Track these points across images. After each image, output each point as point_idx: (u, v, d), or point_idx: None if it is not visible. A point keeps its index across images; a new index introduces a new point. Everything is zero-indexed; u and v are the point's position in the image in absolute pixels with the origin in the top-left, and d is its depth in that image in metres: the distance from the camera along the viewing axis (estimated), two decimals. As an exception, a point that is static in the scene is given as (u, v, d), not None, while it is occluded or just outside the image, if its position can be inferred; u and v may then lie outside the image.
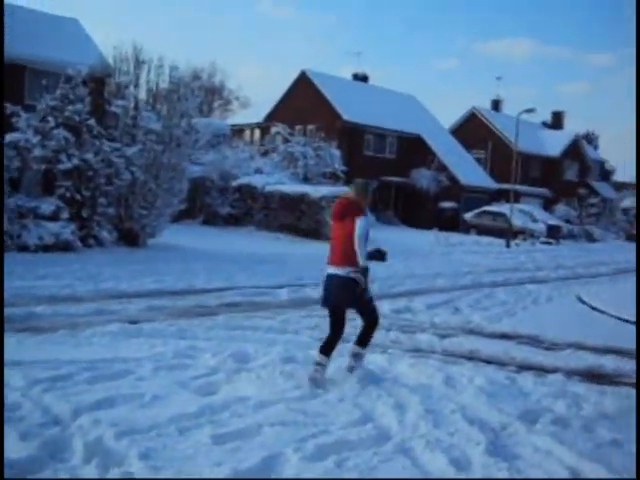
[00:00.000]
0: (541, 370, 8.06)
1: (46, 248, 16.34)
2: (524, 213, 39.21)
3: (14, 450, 4.39)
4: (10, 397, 5.45)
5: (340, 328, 6.64)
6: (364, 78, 47.75)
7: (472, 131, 51.36)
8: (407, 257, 22.97)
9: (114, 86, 19.48)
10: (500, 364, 8.34)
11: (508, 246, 31.88)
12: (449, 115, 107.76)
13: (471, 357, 8.70)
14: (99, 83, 19.45)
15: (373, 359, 7.81)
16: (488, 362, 8.43)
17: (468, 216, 39.76)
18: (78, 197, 17.55)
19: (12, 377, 6.00)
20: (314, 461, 4.44)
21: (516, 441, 5.20)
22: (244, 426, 5.04)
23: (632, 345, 9.80)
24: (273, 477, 4.27)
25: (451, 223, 39.37)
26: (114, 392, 5.71)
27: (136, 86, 19.72)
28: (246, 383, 6.31)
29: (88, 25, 32.06)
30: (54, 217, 17.09)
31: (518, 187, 42.20)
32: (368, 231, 6.58)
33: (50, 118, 17.27)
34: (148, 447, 4.56)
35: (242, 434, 4.89)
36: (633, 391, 7.21)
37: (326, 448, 4.68)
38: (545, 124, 60.33)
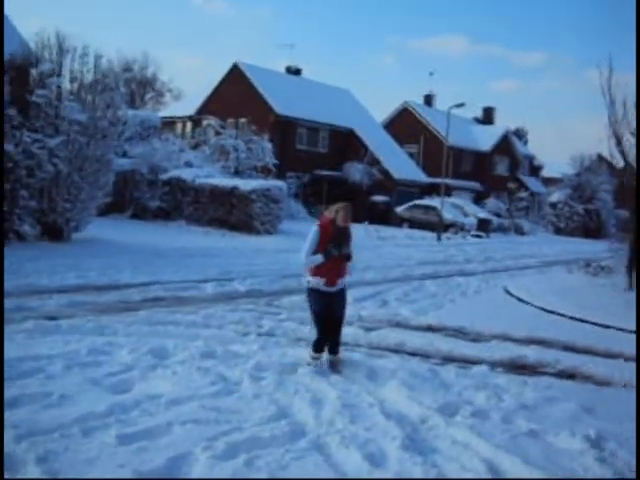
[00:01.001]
0: (465, 362, 8.07)
1: (-38, 243, 15.68)
2: (455, 207, 39.72)
3: None
4: None
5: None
6: (297, 71, 47.62)
7: (405, 126, 51.79)
8: (338, 250, 22.90)
9: (37, 75, 18.75)
10: (425, 356, 8.32)
11: (439, 239, 32.19)
12: (382, 110, 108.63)
13: (396, 350, 8.65)
14: (20, 71, 18.68)
15: (295, 354, 7.71)
16: (413, 355, 8.41)
17: (400, 210, 40.04)
18: (-3, 190, 16.89)
19: None
20: (223, 460, 4.29)
21: (434, 435, 5.14)
22: (153, 425, 4.85)
23: (555, 335, 9.93)
24: (182, 477, 4.08)
25: (383, 217, 39.57)
26: (19, 392, 5.43)
27: (59, 75, 19.04)
28: (161, 380, 6.11)
29: (10, 9, 31.19)
30: (-28, 211, 16.42)
31: (449, 181, 42.79)
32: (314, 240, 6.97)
33: (-34, 108, 16.56)
34: (48, 450, 4.33)
35: (150, 433, 4.70)
36: (553, 380, 7.28)
37: (237, 446, 4.53)
38: (477, 120, 61.28)
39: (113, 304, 10.66)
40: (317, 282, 7.00)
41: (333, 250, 6.82)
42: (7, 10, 27.98)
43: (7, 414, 4.93)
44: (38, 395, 5.40)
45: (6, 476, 3.91)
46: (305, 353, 7.68)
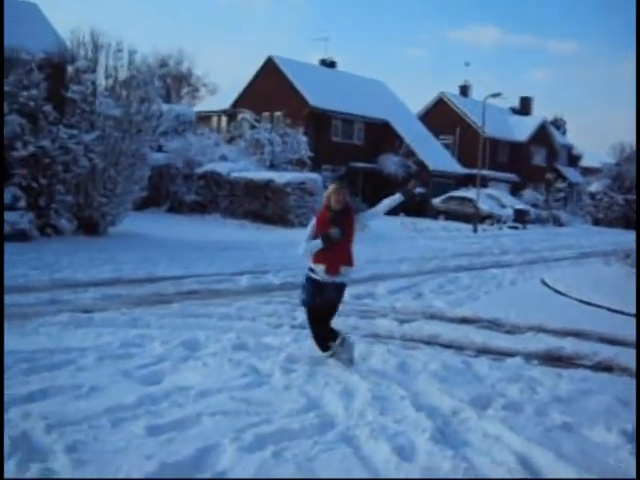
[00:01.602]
0: (499, 354, 7.95)
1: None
2: (492, 198, 39.32)
3: None
4: (-60, 391, 5.20)
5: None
6: (332, 64, 47.48)
7: (440, 117, 51.38)
8: (373, 243, 22.83)
9: (72, 71, 18.95)
10: (458, 349, 8.21)
11: (475, 231, 31.89)
12: (417, 101, 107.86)
13: (430, 342, 8.56)
14: (57, 68, 18.89)
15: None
16: (447, 347, 8.30)
17: (436, 201, 39.77)
18: (35, 185, 17.12)
19: (-55, 371, 5.74)
20: (251, 452, 4.26)
21: (466, 427, 5.05)
22: (182, 416, 4.84)
23: (592, 327, 9.76)
24: (208, 474, 4.05)
25: (419, 209, 39.32)
26: (50, 384, 5.47)
27: (94, 71, 19.22)
28: (192, 372, 6.11)
29: (47, 9, 31.41)
30: (11, 206, 16.65)
31: (486, 172, 42.35)
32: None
33: (4, 104, 16.78)
34: (77, 440, 4.34)
35: (179, 425, 4.69)
36: (589, 373, 7.13)
37: (265, 438, 4.49)
38: (513, 110, 60.55)
39: (147, 297, 10.73)
40: (318, 270, 6.54)
41: (331, 232, 6.37)
42: (43, 8, 28.38)
43: (36, 405, 4.96)
44: (68, 387, 5.43)
45: (31, 466, 3.92)
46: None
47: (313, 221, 6.63)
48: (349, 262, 6.59)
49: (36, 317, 8.59)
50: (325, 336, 6.62)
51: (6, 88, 17.02)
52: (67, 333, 7.69)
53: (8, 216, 16.30)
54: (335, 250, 6.44)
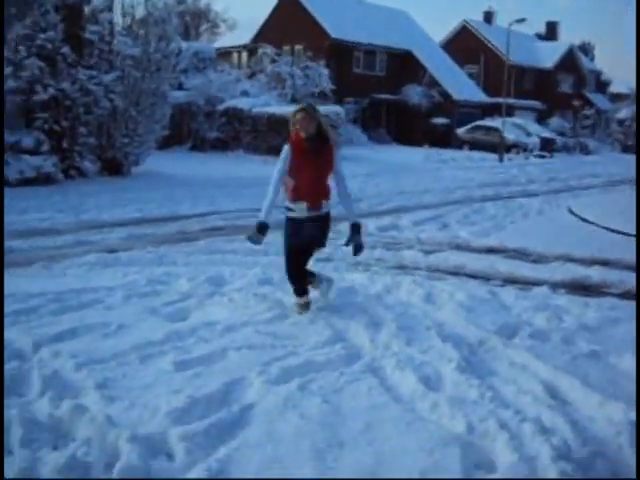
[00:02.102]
0: (525, 283, 7.91)
1: (27, 182, 16.01)
2: (517, 127, 38.71)
3: (-33, 387, 4.24)
4: (-28, 333, 5.29)
5: None
6: (352, -6, 46.43)
7: (464, 45, 50.34)
8: (397, 174, 22.73)
9: (89, 12, 18.74)
10: (485, 279, 8.18)
11: (501, 161, 31.52)
12: (441, 30, 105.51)
13: (456, 272, 8.55)
14: (73, 9, 18.67)
15: (353, 277, 7.68)
16: (473, 277, 8.29)
17: (461, 131, 39.27)
18: (57, 128, 17.11)
19: (-24, 312, 5.83)
20: (277, 384, 4.29)
21: (492, 356, 5.04)
22: (209, 351, 4.88)
23: (620, 255, 9.65)
24: (235, 408, 4.09)
25: (443, 139, 38.90)
26: (79, 323, 5.53)
27: (111, 10, 19.00)
28: (218, 307, 6.15)
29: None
30: (35, 150, 16.70)
31: (511, 100, 41.58)
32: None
33: (21, 47, 16.67)
34: (106, 377, 4.41)
35: (206, 360, 4.73)
36: (617, 301, 7.07)
37: (291, 370, 4.52)
38: (539, 36, 59.10)
39: (172, 235, 10.77)
40: (297, 208, 5.80)
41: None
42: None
43: (66, 344, 5.04)
44: (97, 325, 5.49)
45: (63, 402, 3.99)
46: (361, 277, 7.65)
47: (287, 152, 5.71)
48: (328, 196, 5.90)
49: (63, 259, 8.68)
50: (304, 278, 6.05)
51: (23, 31, 16.88)
52: (94, 273, 7.76)
53: (32, 160, 16.36)
54: (315, 185, 5.77)
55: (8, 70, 16.31)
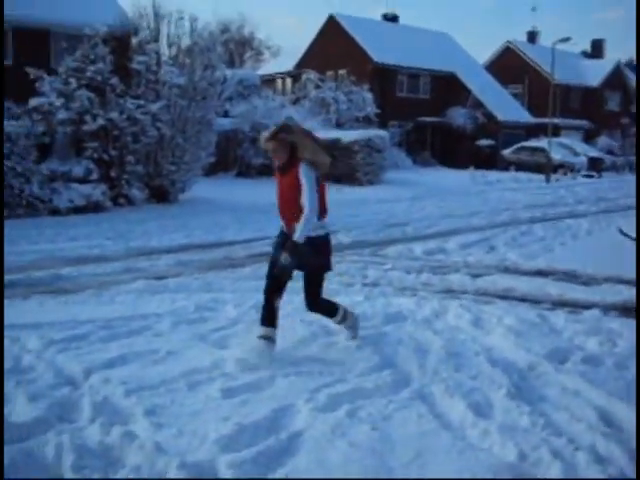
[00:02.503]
0: (576, 306, 7.76)
1: (77, 210, 16.36)
2: (564, 147, 38.23)
3: (21, 413, 4.30)
4: (24, 359, 5.39)
5: None
6: (394, 18, 46.62)
7: (508, 66, 50.03)
8: (443, 197, 22.62)
9: (136, 43, 19.19)
10: (534, 302, 8.06)
11: (548, 181, 31.15)
12: (484, 51, 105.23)
13: (504, 296, 8.43)
14: (121, 41, 19.17)
15: (400, 302, 7.62)
16: (522, 300, 8.17)
17: (506, 153, 38.94)
18: (106, 157, 17.48)
19: (28, 339, 5.94)
20: (325, 411, 4.26)
21: (543, 382, 4.95)
22: (256, 378, 4.88)
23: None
24: (283, 435, 4.08)
25: (489, 161, 38.60)
26: (128, 350, 5.59)
27: (157, 41, 19.41)
28: (265, 334, 6.14)
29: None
30: (84, 179, 17.07)
31: (557, 120, 41.18)
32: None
33: (72, 79, 17.12)
34: (155, 404, 4.44)
35: (253, 387, 4.73)
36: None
37: (339, 397, 4.49)
38: (584, 54, 58.46)
39: (219, 261, 10.86)
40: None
41: (282, 259, 5.27)
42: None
43: (116, 371, 5.09)
44: (146, 352, 5.54)
45: (114, 428, 4.02)
46: (408, 302, 7.60)
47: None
48: (295, 216, 5.27)
49: (112, 286, 8.81)
50: (273, 302, 5.55)
51: (73, 64, 17.32)
52: (143, 300, 7.85)
53: (82, 189, 16.71)
54: (284, 207, 5.45)
55: (59, 102, 16.72)
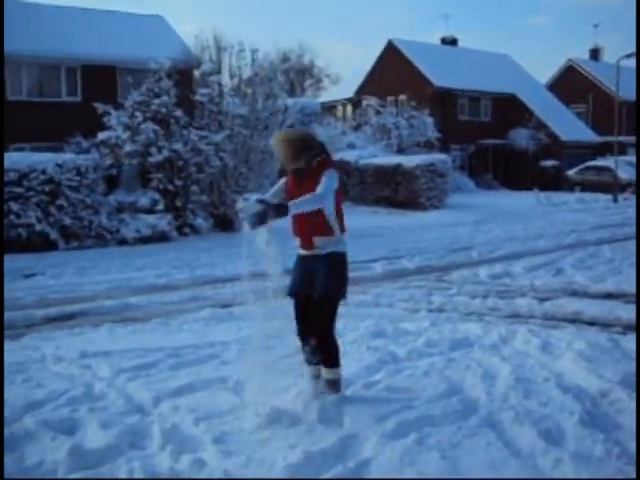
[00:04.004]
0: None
1: (144, 240, 16.72)
2: (631, 165, 37.34)
3: (93, 439, 4.39)
4: (96, 387, 5.52)
5: None
6: (453, 42, 46.55)
7: (570, 84, 49.29)
8: (507, 220, 22.34)
9: (199, 75, 19.66)
10: (604, 326, 7.88)
11: (615, 201, 30.48)
12: (545, 71, 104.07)
13: (573, 320, 8.29)
14: (184, 74, 19.67)
15: (467, 328, 7.53)
16: (591, 324, 8.00)
17: (571, 173, 38.24)
18: (171, 188, 17.85)
19: (99, 367, 6.09)
20: (394, 439, 4.23)
21: (617, 409, 4.80)
22: (324, 406, 4.85)
23: None
24: (351, 463, 4.06)
25: (553, 182, 37.95)
26: (196, 377, 5.67)
27: (219, 73, 19.83)
28: (331, 361, 6.15)
29: (170, 16, 32.50)
30: (150, 209, 17.46)
31: (623, 138, 40.26)
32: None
33: (138, 113, 17.61)
34: (223, 431, 4.48)
35: (321, 414, 4.72)
36: None
37: (407, 425, 4.45)
38: (651, 68, 57.19)
39: (283, 289, 10.89)
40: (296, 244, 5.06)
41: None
42: (168, 18, 29.53)
43: (185, 399, 5.16)
44: (214, 380, 5.61)
45: (183, 456, 4.07)
46: (474, 327, 7.51)
47: (283, 183, 5.11)
48: (324, 231, 4.86)
49: (180, 314, 8.96)
50: (328, 348, 5.02)
51: (139, 98, 17.80)
52: (210, 328, 7.97)
53: (148, 219, 17.07)
54: (303, 217, 4.76)
55: (126, 135, 17.19)
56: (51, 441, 4.38)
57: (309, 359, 5.11)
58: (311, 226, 4.83)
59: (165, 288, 11.24)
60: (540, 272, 11.85)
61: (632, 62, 38.90)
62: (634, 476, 3.38)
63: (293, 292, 5.13)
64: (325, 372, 5.01)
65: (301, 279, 5.03)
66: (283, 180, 5.10)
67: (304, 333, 5.12)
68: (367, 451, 4.11)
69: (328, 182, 4.64)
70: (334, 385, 4.99)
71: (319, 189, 4.61)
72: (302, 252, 5.02)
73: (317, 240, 4.87)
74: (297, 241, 5.03)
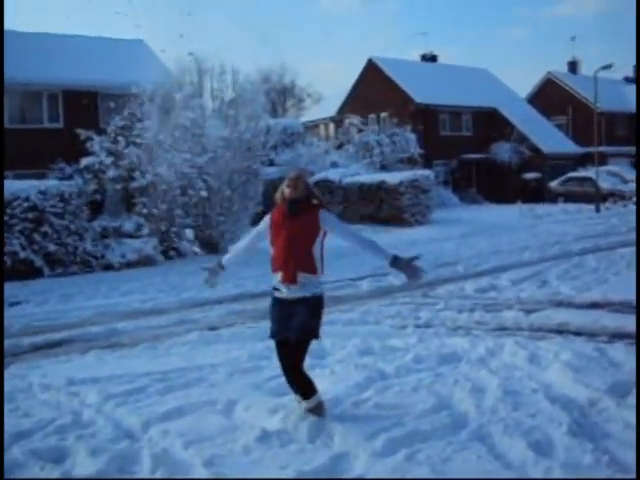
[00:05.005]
0: (634, 338, 7.59)
1: (130, 265, 16.66)
2: (612, 175, 37.66)
3: (82, 467, 4.39)
4: (84, 414, 5.49)
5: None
6: (433, 58, 46.98)
7: (550, 97, 49.71)
8: (492, 233, 22.44)
9: (180, 99, 19.68)
10: (590, 335, 7.93)
11: (598, 211, 30.70)
12: (525, 84, 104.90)
13: (559, 330, 8.33)
14: (166, 98, 19.70)
15: (454, 342, 7.57)
16: (578, 334, 8.04)
17: (553, 185, 38.51)
18: (155, 212, 17.83)
19: (88, 394, 6.07)
20: (383, 456, 4.24)
21: (605, 418, 4.85)
22: (313, 425, 4.87)
23: None
24: (340, 477, 4.07)
25: (536, 194, 38.22)
26: (185, 401, 5.65)
27: (200, 96, 19.88)
28: (319, 379, 6.08)
29: (151, 41, 32.67)
30: (135, 234, 17.44)
31: (603, 148, 40.69)
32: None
33: (120, 138, 17.63)
34: (214, 454, 4.47)
35: (311, 434, 4.73)
36: None
37: (397, 441, 4.46)
38: (627, 79, 57.79)
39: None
40: (276, 281, 5.04)
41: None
42: (149, 42, 29.65)
43: (174, 423, 5.14)
44: (203, 403, 5.59)
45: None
46: (461, 341, 7.54)
47: (265, 221, 5.28)
48: (309, 268, 4.97)
49: (167, 338, 8.93)
50: (300, 375, 5.06)
51: (121, 122, 17.82)
52: (197, 351, 7.94)
53: (133, 244, 17.04)
54: (288, 251, 4.93)
55: (109, 160, 17.19)
56: (40, 470, 4.36)
57: (304, 392, 5.12)
58: (298, 262, 4.92)
59: (152, 312, 11.20)
60: (526, 284, 11.90)
61: (609, 74, 39.40)
62: (634, 476, 3.40)
63: (275, 335, 5.10)
64: (305, 403, 5.06)
65: (279, 322, 5.05)
66: (260, 226, 5.27)
67: (293, 371, 5.08)
68: (358, 469, 4.12)
69: (346, 226, 5.22)
70: (317, 410, 5.03)
71: (362, 237, 5.22)
72: (281, 295, 5.04)
73: (300, 276, 4.93)
74: (277, 277, 5.02)
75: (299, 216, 4.98)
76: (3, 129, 18.97)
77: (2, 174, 15.80)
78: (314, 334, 5.01)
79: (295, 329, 4.90)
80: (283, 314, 5.00)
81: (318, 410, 5.02)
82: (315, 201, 5.10)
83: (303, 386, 5.04)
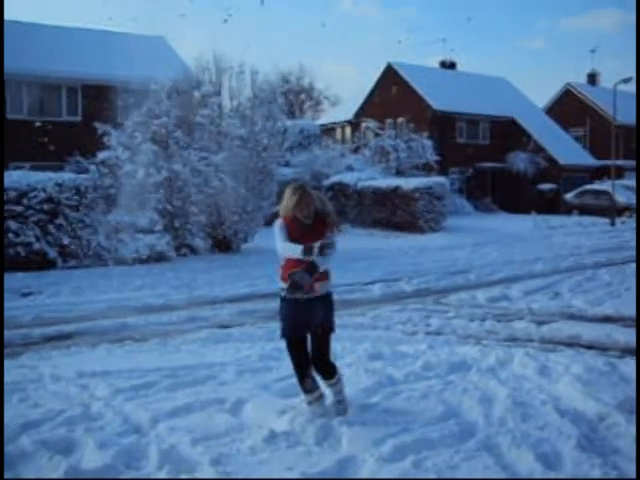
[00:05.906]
0: (645, 353, 7.56)
1: (142, 260, 16.70)
2: (628, 189, 37.45)
3: (90, 460, 4.40)
4: (93, 407, 5.50)
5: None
6: (452, 65, 46.89)
7: (568, 108, 49.54)
8: (505, 243, 22.39)
9: (199, 97, 19.74)
10: (602, 349, 7.90)
11: (613, 224, 30.56)
12: (543, 94, 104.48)
13: (570, 343, 8.29)
14: (184, 96, 19.75)
15: (464, 351, 7.54)
16: (589, 348, 8.01)
17: (569, 197, 38.34)
18: (169, 208, 17.87)
19: (97, 387, 6.10)
20: (391, 462, 4.23)
21: (614, 433, 4.82)
22: (321, 428, 4.86)
23: None
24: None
25: (551, 205, 38.07)
26: (193, 398, 5.65)
27: (219, 94, 19.92)
28: (329, 383, 6.15)
29: (171, 37, 32.79)
30: (149, 230, 17.47)
31: (620, 162, 40.48)
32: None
33: (137, 134, 17.67)
34: (221, 453, 4.47)
35: (318, 436, 4.72)
36: None
37: (405, 448, 4.45)
38: (647, 93, 57.49)
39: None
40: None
41: (296, 276, 4.99)
42: (170, 40, 29.77)
43: (182, 419, 5.15)
44: (211, 401, 5.60)
45: (183, 476, 4.07)
46: (472, 350, 7.51)
47: (280, 222, 5.27)
48: (324, 277, 5.24)
49: (177, 334, 8.96)
50: (333, 367, 5.38)
51: (139, 118, 17.87)
52: (207, 349, 7.96)
53: (147, 239, 17.08)
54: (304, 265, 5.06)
55: (125, 155, 17.25)
56: (48, 461, 4.38)
57: (311, 387, 5.28)
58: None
59: (163, 308, 11.24)
60: (538, 295, 11.87)
61: (629, 87, 39.16)
62: (634, 476, 3.39)
63: (292, 335, 5.25)
64: (330, 382, 5.33)
65: (296, 320, 5.19)
66: (280, 222, 5.25)
67: (306, 365, 5.26)
68: (364, 473, 4.12)
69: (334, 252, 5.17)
70: (339, 385, 5.34)
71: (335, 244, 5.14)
72: (297, 295, 5.13)
73: (317, 285, 5.18)
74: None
75: (314, 228, 5.21)
76: (3, 127, 19.00)
77: (2, 171, 15.87)
78: (334, 327, 5.39)
79: (320, 323, 5.21)
80: (299, 312, 5.15)
81: (340, 385, 5.32)
82: (328, 219, 5.32)
83: (334, 367, 5.37)
